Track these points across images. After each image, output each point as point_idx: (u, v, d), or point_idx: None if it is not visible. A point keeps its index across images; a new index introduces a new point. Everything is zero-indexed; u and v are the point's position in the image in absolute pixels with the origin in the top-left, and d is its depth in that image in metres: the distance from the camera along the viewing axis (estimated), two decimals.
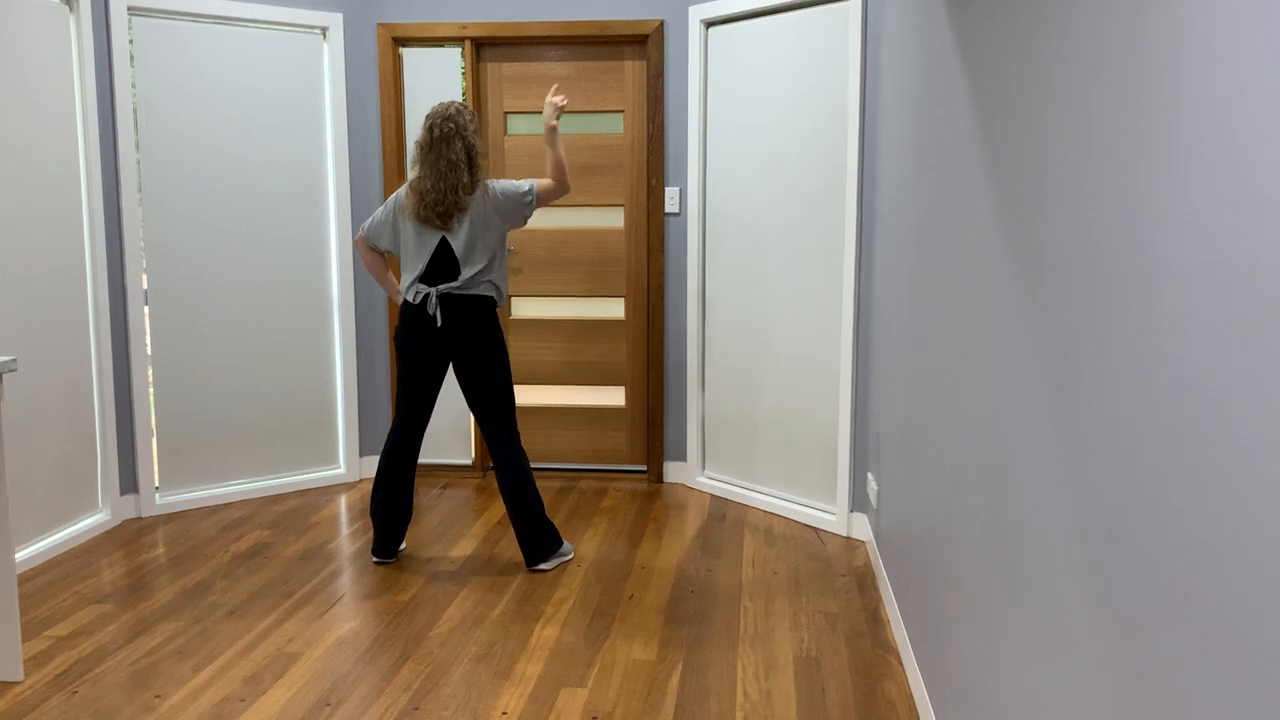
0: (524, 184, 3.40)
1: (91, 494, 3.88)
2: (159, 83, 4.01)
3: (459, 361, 3.41)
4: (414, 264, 3.37)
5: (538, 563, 3.48)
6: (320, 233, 4.42)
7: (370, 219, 3.47)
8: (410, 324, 3.39)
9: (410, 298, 3.38)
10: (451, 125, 3.29)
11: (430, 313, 3.36)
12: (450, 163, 3.27)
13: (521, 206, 3.40)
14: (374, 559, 3.55)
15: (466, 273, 3.34)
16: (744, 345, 4.23)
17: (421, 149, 3.31)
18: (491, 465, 4.77)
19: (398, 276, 4.37)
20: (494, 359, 3.41)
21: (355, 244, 3.50)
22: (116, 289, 3.95)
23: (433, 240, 3.34)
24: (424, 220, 3.31)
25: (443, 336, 3.37)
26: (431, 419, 4.69)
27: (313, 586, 3.33)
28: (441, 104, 3.35)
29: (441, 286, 3.34)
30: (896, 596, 3.00)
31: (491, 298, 3.41)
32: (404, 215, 3.38)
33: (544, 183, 3.42)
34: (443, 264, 3.37)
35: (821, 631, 2.99)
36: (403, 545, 3.66)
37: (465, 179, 3.29)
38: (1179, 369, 1.02)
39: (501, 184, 3.39)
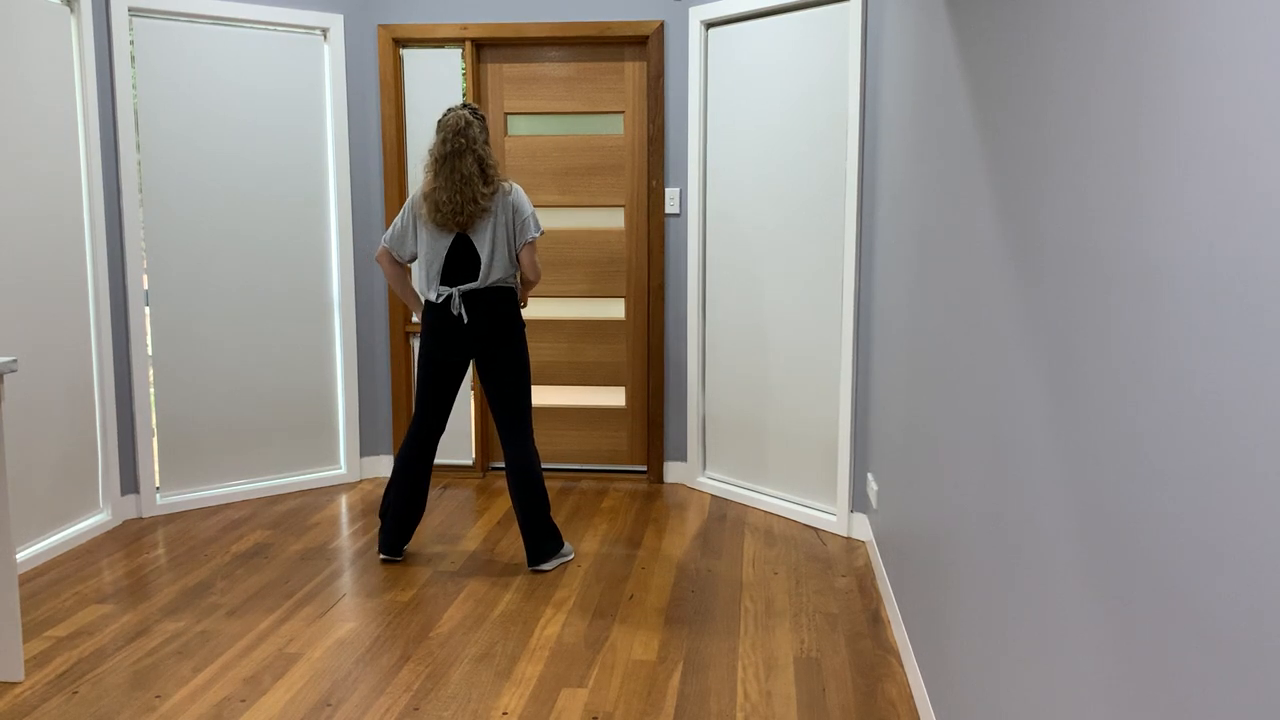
0: (530, 232, 3.40)
1: (92, 494, 3.88)
2: (160, 83, 4.01)
3: (483, 358, 3.44)
4: (431, 264, 3.39)
5: (539, 563, 3.48)
6: (321, 233, 4.42)
7: (390, 230, 3.48)
8: (435, 324, 3.41)
9: (433, 298, 3.40)
10: (462, 140, 3.31)
11: (455, 312, 3.37)
12: (464, 176, 3.31)
13: (520, 239, 3.41)
14: (381, 556, 3.55)
15: (489, 270, 3.37)
16: (744, 345, 4.23)
17: (435, 160, 3.34)
18: (494, 465, 4.78)
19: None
20: (516, 357, 3.44)
21: (377, 258, 3.51)
22: (117, 289, 3.95)
23: (447, 239, 3.37)
24: (443, 225, 3.34)
25: (469, 334, 3.39)
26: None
27: (313, 587, 3.33)
28: (454, 113, 3.36)
29: (464, 286, 3.36)
30: (897, 597, 3.00)
31: (512, 288, 3.44)
32: (421, 220, 3.40)
33: (531, 256, 3.43)
34: (460, 262, 3.39)
35: (822, 632, 2.99)
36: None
37: (481, 188, 3.32)
38: (1179, 369, 1.02)
39: (519, 205, 3.39)
